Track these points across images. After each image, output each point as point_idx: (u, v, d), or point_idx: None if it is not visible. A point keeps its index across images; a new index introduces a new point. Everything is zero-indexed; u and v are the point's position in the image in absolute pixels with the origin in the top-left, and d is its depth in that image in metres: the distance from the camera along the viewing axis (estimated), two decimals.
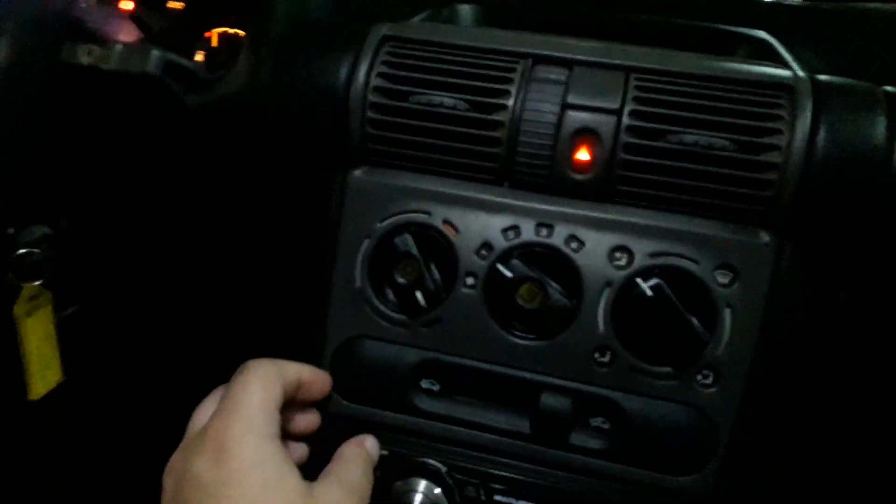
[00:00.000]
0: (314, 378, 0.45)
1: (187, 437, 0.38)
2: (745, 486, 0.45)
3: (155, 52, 0.42)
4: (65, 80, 0.41)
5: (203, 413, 0.39)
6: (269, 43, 0.49)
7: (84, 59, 0.39)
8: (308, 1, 0.56)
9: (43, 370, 0.52)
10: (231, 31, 0.61)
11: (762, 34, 0.59)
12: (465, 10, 0.66)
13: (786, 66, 0.48)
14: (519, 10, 0.67)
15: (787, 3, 0.77)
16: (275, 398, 0.38)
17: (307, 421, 0.46)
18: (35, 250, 0.49)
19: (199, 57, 0.61)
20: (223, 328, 0.56)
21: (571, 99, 0.45)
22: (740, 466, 0.44)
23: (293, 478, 0.36)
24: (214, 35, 0.61)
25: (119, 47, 0.40)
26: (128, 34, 0.61)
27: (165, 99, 0.48)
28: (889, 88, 0.44)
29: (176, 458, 0.37)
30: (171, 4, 0.63)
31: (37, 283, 0.50)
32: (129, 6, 0.64)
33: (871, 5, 0.72)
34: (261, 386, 0.38)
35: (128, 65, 0.40)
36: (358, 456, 0.43)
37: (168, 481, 0.37)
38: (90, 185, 0.57)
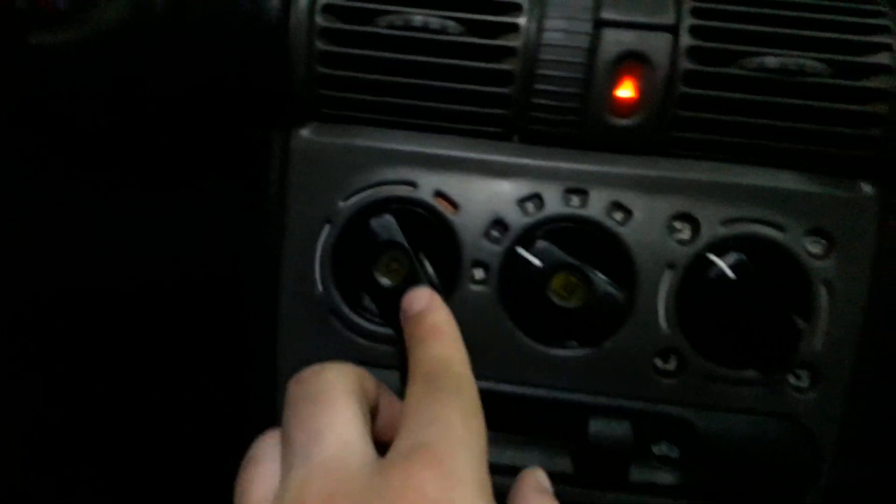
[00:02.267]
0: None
1: (320, 474, 0.20)
2: None
3: None
4: None
5: (335, 428, 0.21)
6: None
7: None
8: None
9: None
10: None
11: None
12: None
13: None
14: None
15: None
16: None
17: None
18: None
19: None
20: (148, 359, 0.40)
21: (608, 13, 0.32)
22: (851, 488, 0.34)
23: None
24: None
25: None
26: None
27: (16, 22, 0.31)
28: None
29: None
30: None
31: None
32: None
33: None
34: (476, 409, 0.22)
35: None
36: (543, 499, 0.27)
37: None
38: None
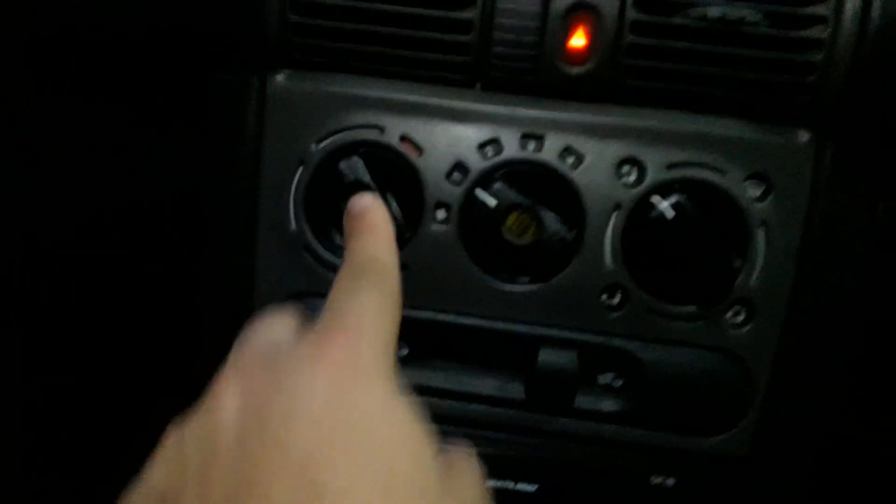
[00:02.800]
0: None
1: (248, 348, 0.22)
2: (788, 441, 0.37)
3: None
4: None
5: (266, 331, 0.23)
6: None
7: None
8: None
9: None
10: None
11: None
12: None
13: None
14: None
15: None
16: (397, 327, 0.23)
17: None
18: None
19: None
20: (129, 297, 0.44)
21: None
22: (781, 419, 0.37)
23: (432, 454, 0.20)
24: None
25: None
26: None
27: None
28: None
29: (248, 366, 0.21)
30: None
31: None
32: None
33: None
34: (391, 304, 0.23)
35: None
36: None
37: (227, 398, 0.20)
38: None
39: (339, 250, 0.37)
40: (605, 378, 0.37)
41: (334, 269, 0.37)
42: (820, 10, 0.33)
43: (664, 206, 0.34)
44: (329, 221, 0.37)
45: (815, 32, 0.33)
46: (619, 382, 0.37)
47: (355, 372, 0.19)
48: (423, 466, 0.19)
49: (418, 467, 0.19)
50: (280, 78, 0.37)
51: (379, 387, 0.20)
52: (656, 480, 0.37)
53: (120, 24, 0.37)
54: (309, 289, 0.37)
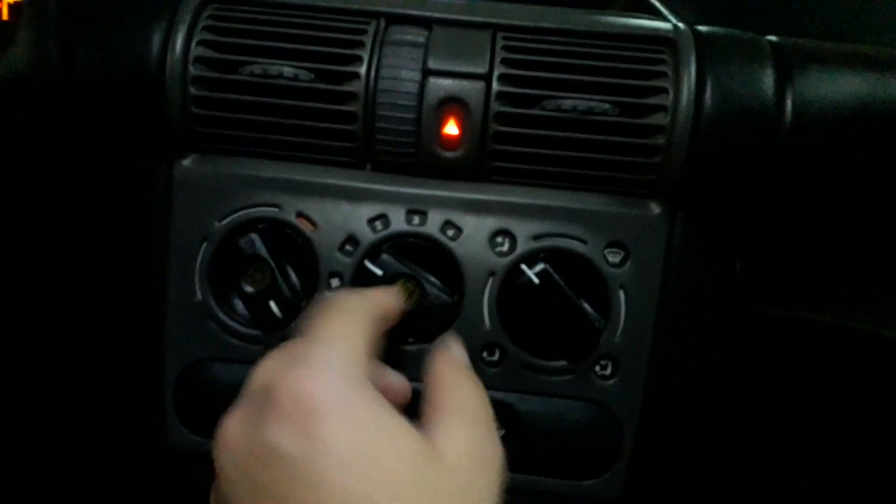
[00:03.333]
0: (396, 305, 0.35)
1: (247, 397, 0.26)
2: (658, 482, 0.41)
3: None
4: None
5: (268, 367, 0.27)
6: (52, 5, 0.39)
7: None
8: None
9: None
10: None
11: None
12: None
13: (664, 19, 0.44)
14: None
15: None
16: (359, 334, 0.29)
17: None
18: None
19: None
20: (50, 355, 0.46)
21: (433, 63, 0.38)
22: (650, 462, 0.40)
23: (405, 434, 0.25)
24: (3, 6, 0.50)
25: None
26: None
27: None
28: (773, 38, 0.41)
29: (235, 428, 0.25)
30: None
31: None
32: None
33: None
34: (341, 322, 0.28)
35: None
36: (459, 371, 0.31)
37: (225, 459, 0.25)
38: None
39: (240, 318, 0.40)
40: None
41: (237, 335, 0.40)
42: (660, 100, 0.38)
43: (531, 273, 0.38)
44: (231, 292, 0.40)
45: (657, 119, 0.38)
46: (502, 432, 0.40)
47: (310, 406, 0.24)
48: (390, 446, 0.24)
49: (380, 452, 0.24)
50: (186, 162, 0.41)
51: (337, 415, 0.24)
52: None
53: (52, 121, 0.40)
54: (214, 354, 0.40)
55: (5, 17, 0.50)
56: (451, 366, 0.31)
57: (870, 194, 0.40)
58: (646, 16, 0.43)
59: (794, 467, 0.43)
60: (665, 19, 0.44)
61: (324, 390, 0.24)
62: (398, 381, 0.33)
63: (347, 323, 0.29)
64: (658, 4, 0.51)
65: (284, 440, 0.23)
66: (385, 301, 0.34)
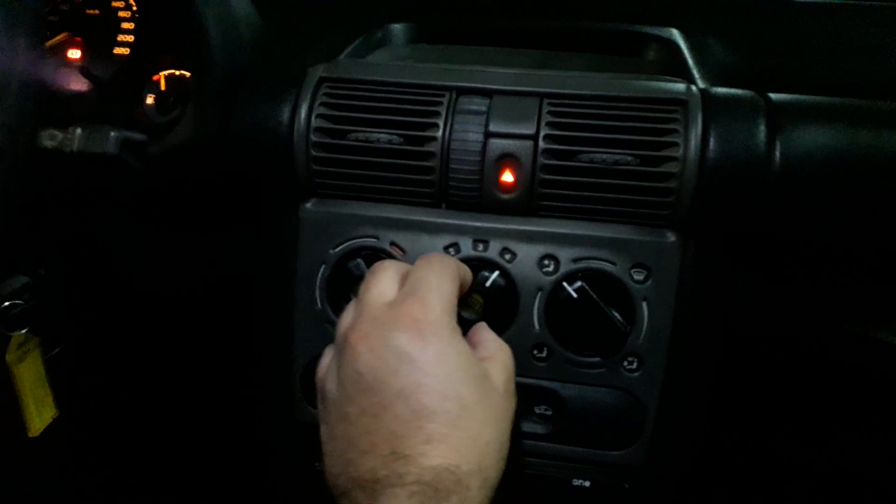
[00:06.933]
0: (469, 276, 0.47)
1: (366, 309, 0.40)
2: (674, 454, 0.51)
3: (113, 134, 0.46)
4: (34, 156, 0.44)
5: (386, 291, 0.41)
6: (212, 89, 0.52)
7: (47, 143, 0.43)
8: (240, 32, 0.59)
9: (39, 408, 0.57)
10: (177, 72, 0.64)
11: (671, 33, 0.65)
12: (398, 29, 0.71)
13: (686, 71, 0.54)
14: (446, 26, 0.71)
15: None
16: (449, 285, 0.41)
17: None
18: (18, 301, 0.53)
19: (150, 100, 0.65)
20: (198, 352, 0.61)
21: (493, 127, 0.50)
22: (668, 438, 0.51)
23: (476, 363, 0.39)
24: (162, 78, 0.65)
25: (79, 131, 0.44)
26: (77, 84, 0.65)
27: (123, 168, 0.52)
28: (773, 95, 0.50)
29: (367, 329, 0.38)
30: (117, 51, 0.66)
31: (23, 331, 0.54)
32: (77, 55, 0.67)
33: None
34: (450, 277, 0.42)
35: (88, 147, 0.44)
36: (501, 346, 0.44)
37: (361, 349, 0.38)
38: (60, 231, 0.61)
39: None
40: (539, 409, 0.52)
41: None
42: (672, 152, 0.48)
43: (571, 289, 0.49)
44: (344, 303, 0.53)
45: (670, 168, 0.48)
46: (550, 412, 0.52)
47: (425, 325, 0.38)
48: (470, 364, 0.38)
49: (468, 366, 0.38)
50: (308, 205, 0.54)
51: (441, 334, 0.38)
52: (577, 483, 0.52)
53: (207, 178, 0.55)
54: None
55: (163, 87, 0.66)
56: (491, 331, 0.46)
57: (856, 230, 0.48)
58: (667, 78, 0.52)
59: (789, 444, 0.52)
60: (688, 72, 0.53)
61: (439, 320, 0.39)
62: None
63: (442, 275, 0.42)
64: (687, 55, 0.60)
65: (407, 343, 0.37)
66: (463, 269, 0.46)
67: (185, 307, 0.62)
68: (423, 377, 0.36)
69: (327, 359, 0.43)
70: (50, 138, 0.43)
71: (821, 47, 0.63)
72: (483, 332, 0.45)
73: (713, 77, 0.56)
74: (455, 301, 0.41)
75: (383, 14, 0.70)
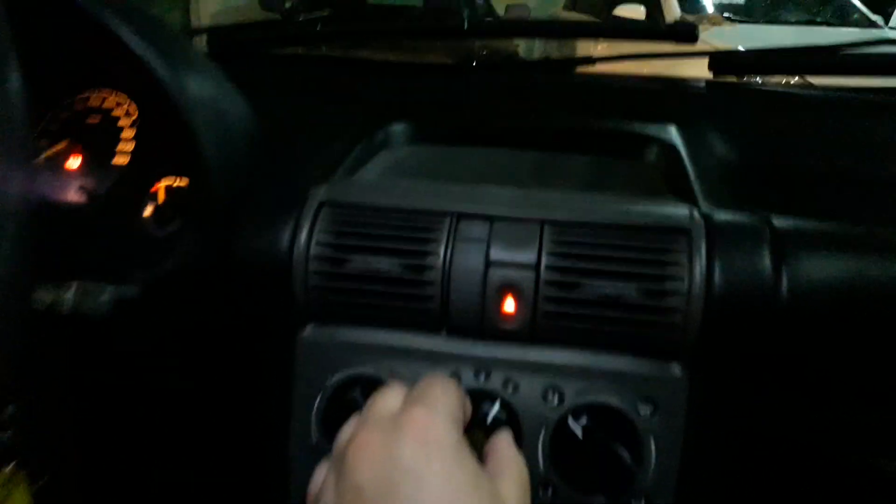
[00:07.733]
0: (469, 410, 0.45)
1: (369, 419, 0.39)
2: None
3: (105, 296, 0.45)
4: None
5: (390, 400, 0.40)
6: (211, 200, 0.52)
7: (39, 305, 0.42)
8: (235, 135, 0.58)
9: None
10: (175, 182, 0.64)
11: (670, 133, 0.64)
12: (398, 130, 0.71)
13: (685, 178, 0.54)
14: (447, 126, 0.71)
15: (693, 84, 0.84)
16: (455, 401, 0.40)
17: None
18: (4, 434, 0.51)
19: (148, 211, 0.64)
20: (188, 480, 0.59)
21: (494, 255, 0.49)
22: None
23: (484, 478, 0.37)
24: (161, 189, 0.65)
25: (72, 292, 0.43)
26: (74, 195, 0.64)
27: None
28: (776, 221, 0.49)
29: (369, 438, 0.37)
30: (116, 161, 0.66)
31: (9, 467, 0.52)
32: (75, 165, 0.67)
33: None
34: (455, 391, 0.41)
35: (82, 308, 0.43)
36: (512, 446, 0.43)
37: (362, 460, 0.36)
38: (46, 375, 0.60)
39: None
40: None
41: None
42: (676, 286, 0.47)
43: (577, 429, 0.47)
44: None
45: (674, 302, 0.46)
46: None
47: (432, 437, 0.36)
48: (479, 483, 0.36)
49: (476, 485, 0.35)
50: (305, 332, 0.53)
51: (448, 448, 0.36)
52: None
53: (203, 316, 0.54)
54: None
55: (162, 198, 0.65)
56: (507, 442, 0.43)
57: (865, 355, 0.47)
58: (670, 201, 0.52)
59: None
60: (688, 182, 0.53)
61: (438, 427, 0.37)
62: None
63: (447, 388, 0.41)
64: (687, 161, 0.60)
65: (411, 457, 0.35)
66: (464, 400, 0.44)
67: (176, 440, 0.61)
68: (428, 496, 0.34)
69: (321, 474, 0.41)
70: (43, 297, 0.42)
71: (821, 140, 0.63)
72: (496, 441, 0.43)
73: (713, 184, 0.55)
74: (461, 414, 0.40)
75: (384, 116, 0.70)
